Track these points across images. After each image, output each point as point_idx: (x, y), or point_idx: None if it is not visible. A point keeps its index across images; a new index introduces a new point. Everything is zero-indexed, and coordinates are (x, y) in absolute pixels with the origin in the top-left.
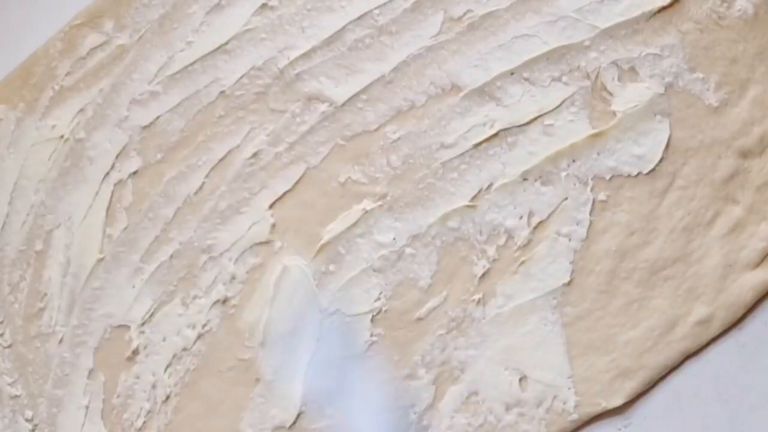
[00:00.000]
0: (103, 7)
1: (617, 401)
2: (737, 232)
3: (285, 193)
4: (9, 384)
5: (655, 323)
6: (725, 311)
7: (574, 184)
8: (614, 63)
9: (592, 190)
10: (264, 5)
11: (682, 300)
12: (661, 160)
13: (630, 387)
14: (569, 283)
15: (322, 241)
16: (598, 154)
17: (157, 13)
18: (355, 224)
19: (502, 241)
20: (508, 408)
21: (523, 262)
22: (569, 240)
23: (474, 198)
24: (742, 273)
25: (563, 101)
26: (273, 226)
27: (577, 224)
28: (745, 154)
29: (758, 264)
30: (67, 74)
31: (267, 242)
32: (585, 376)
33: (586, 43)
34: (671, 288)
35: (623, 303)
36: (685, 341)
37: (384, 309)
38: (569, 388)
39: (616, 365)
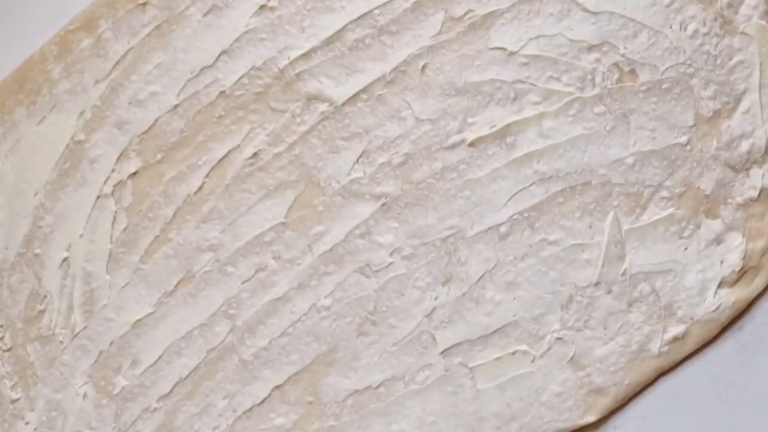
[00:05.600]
0: (98, 11)
1: (590, 418)
2: (716, 248)
3: (284, 193)
4: (9, 387)
5: (630, 339)
6: (701, 329)
7: None
8: (615, 64)
9: None
10: (263, 6)
11: (657, 316)
12: None
13: (603, 404)
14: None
15: (322, 242)
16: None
17: (154, 16)
18: (354, 225)
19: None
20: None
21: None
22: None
23: (473, 198)
24: (719, 290)
25: (563, 102)
26: (273, 226)
27: (565, 232)
28: (731, 168)
29: (735, 282)
30: (65, 77)
31: (267, 242)
32: (558, 392)
33: (588, 43)
34: (647, 303)
35: (600, 315)
36: (659, 359)
37: (383, 309)
38: (542, 404)
39: (589, 381)
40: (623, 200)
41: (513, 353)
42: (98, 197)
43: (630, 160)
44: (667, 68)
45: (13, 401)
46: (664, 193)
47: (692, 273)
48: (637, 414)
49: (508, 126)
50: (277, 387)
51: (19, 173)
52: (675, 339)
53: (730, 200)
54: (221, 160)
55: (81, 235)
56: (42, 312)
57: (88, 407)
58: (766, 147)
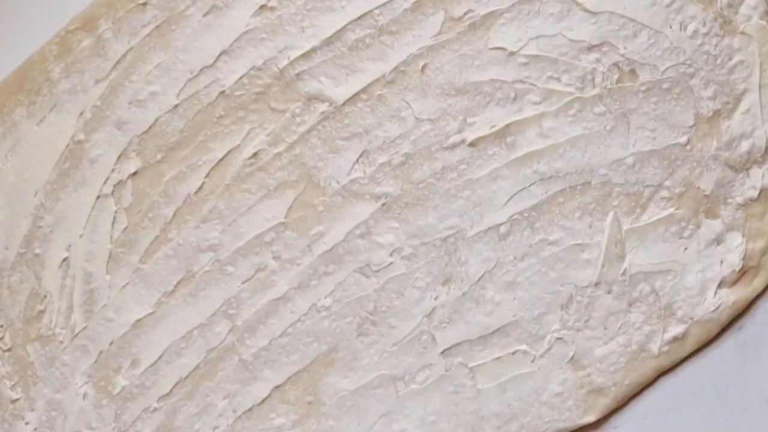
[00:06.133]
0: (98, 11)
1: (590, 418)
2: (716, 248)
3: (284, 193)
4: (9, 387)
5: (630, 339)
6: (700, 329)
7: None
8: (615, 64)
9: None
10: (263, 6)
11: (657, 316)
12: None
13: (603, 404)
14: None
15: (322, 242)
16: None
17: (154, 16)
18: (354, 225)
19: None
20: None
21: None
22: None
23: (473, 198)
24: (719, 290)
25: (563, 102)
26: (273, 226)
27: (565, 231)
28: (731, 168)
29: (735, 282)
30: (65, 77)
31: (267, 242)
32: (558, 391)
33: (587, 43)
34: (647, 303)
35: (600, 315)
36: (659, 359)
37: (383, 309)
38: (542, 403)
39: (589, 380)
40: (623, 200)
41: (513, 353)
42: (98, 197)
43: (630, 160)
44: (667, 68)
45: (13, 401)
46: (664, 193)
47: (692, 273)
48: (637, 414)
49: (508, 126)
50: (277, 387)
51: (19, 173)
52: (675, 339)
53: (730, 200)
54: (221, 160)
55: (81, 235)
56: (42, 312)
57: (88, 407)
58: (766, 147)
